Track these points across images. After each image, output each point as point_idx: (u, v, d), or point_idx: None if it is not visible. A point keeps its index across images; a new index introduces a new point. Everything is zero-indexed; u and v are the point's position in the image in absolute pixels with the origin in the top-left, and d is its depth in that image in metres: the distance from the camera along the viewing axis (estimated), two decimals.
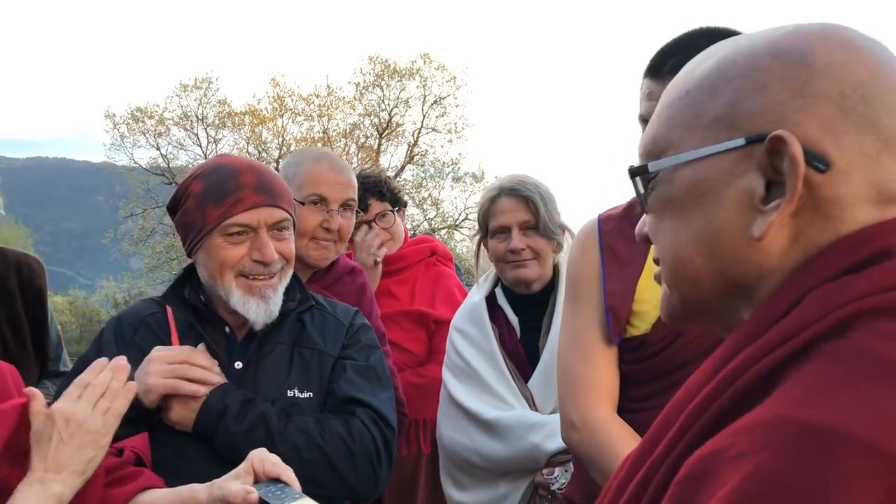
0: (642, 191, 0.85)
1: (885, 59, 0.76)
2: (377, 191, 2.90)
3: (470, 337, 2.47)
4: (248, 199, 1.78)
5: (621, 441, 1.65)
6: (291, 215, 1.86)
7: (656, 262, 0.88)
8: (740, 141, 0.75)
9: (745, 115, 0.75)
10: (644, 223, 0.89)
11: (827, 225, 0.74)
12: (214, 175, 1.81)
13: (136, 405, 1.65)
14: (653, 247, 0.88)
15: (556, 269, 2.49)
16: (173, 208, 1.88)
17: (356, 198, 2.42)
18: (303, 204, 2.31)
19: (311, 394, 1.84)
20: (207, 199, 1.78)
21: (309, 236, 2.32)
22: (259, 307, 1.80)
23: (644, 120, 1.61)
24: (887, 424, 0.58)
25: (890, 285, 0.68)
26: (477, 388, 2.40)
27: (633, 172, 0.85)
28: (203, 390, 1.74)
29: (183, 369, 1.73)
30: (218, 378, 1.77)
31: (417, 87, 26.43)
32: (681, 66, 1.54)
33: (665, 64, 1.59)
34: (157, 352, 1.76)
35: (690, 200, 0.79)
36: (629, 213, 1.81)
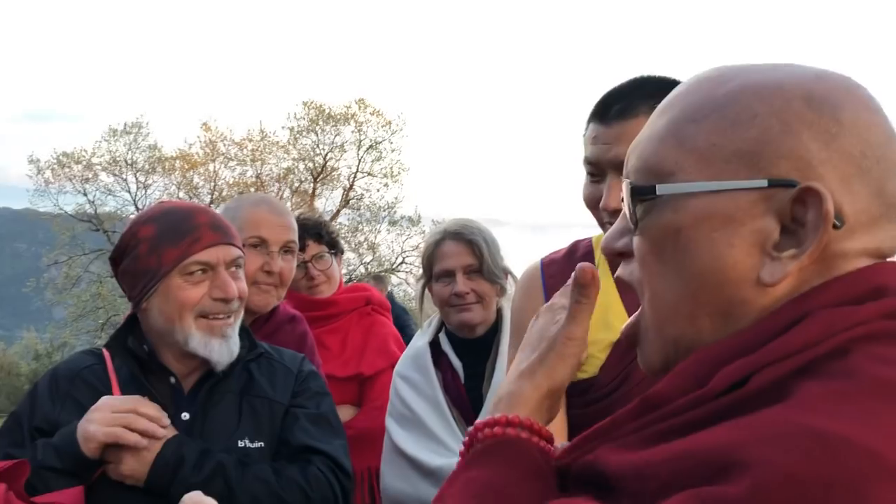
0: (635, 209, 0.81)
1: (892, 126, 0.78)
2: (315, 232, 2.88)
3: (414, 383, 2.44)
4: (207, 237, 1.77)
5: None
6: (243, 254, 1.86)
7: (620, 282, 0.87)
8: (763, 182, 0.73)
9: (771, 156, 0.74)
10: (616, 237, 0.86)
11: (828, 275, 0.75)
12: (167, 217, 1.79)
13: (75, 455, 1.58)
14: (622, 266, 0.86)
15: (499, 312, 2.49)
16: (118, 258, 1.84)
17: (297, 241, 2.39)
18: (242, 247, 2.26)
19: (263, 443, 1.81)
20: (163, 241, 1.76)
21: (250, 281, 2.26)
22: (222, 347, 1.79)
23: (591, 163, 1.62)
24: (888, 435, 0.61)
25: (883, 315, 0.71)
26: (421, 436, 2.36)
27: (636, 192, 0.80)
28: (144, 442, 1.67)
29: (128, 418, 1.67)
30: (163, 431, 1.72)
31: (353, 131, 26.47)
32: (628, 111, 1.60)
33: (612, 108, 1.60)
34: (105, 400, 1.71)
35: (700, 234, 0.76)
36: (572, 256, 1.80)
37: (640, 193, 0.79)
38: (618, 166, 1.57)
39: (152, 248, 1.76)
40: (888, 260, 0.78)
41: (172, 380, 1.81)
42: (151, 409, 1.71)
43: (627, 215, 0.83)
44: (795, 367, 0.69)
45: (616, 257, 0.87)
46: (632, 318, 0.87)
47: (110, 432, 1.64)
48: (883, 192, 0.75)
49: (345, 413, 2.79)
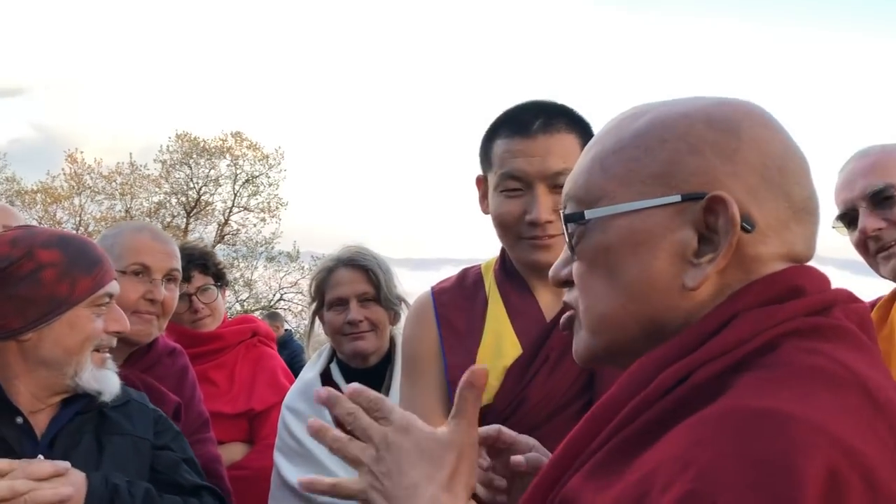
0: (571, 236, 0.89)
1: (790, 138, 0.87)
2: (201, 263, 2.77)
3: (304, 416, 2.37)
4: (110, 269, 1.73)
5: None
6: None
7: (567, 307, 0.92)
8: (676, 198, 0.82)
9: (681, 174, 0.83)
10: (561, 267, 0.93)
11: (748, 278, 0.82)
12: (72, 244, 1.70)
13: None
14: (567, 292, 0.92)
15: (392, 341, 2.46)
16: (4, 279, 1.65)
17: (180, 269, 2.28)
18: (123, 274, 2.13)
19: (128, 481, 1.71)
20: (75, 269, 1.66)
21: (130, 310, 2.12)
22: (113, 377, 1.73)
23: (516, 177, 1.62)
24: (824, 411, 0.67)
25: (806, 312, 0.79)
26: (311, 469, 2.30)
27: (568, 218, 0.88)
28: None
29: (30, 497, 1.49)
30: (69, 490, 1.55)
31: (228, 165, 25.90)
32: (551, 126, 1.62)
33: (533, 123, 1.62)
34: None
35: (625, 249, 0.84)
36: (462, 283, 1.81)
37: (573, 220, 0.88)
38: (547, 178, 1.60)
39: (62, 274, 1.64)
40: (804, 265, 0.86)
41: (20, 419, 1.66)
42: (45, 468, 1.55)
43: (567, 243, 0.91)
44: (731, 363, 0.76)
45: (561, 286, 0.94)
46: (567, 312, 0.94)
47: None
48: (789, 197, 0.83)
49: (236, 451, 2.68)
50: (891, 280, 1.89)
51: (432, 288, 1.84)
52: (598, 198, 0.86)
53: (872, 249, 1.84)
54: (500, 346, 1.69)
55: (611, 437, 0.78)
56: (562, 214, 0.90)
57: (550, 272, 0.95)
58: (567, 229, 0.89)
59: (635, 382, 0.80)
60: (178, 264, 2.26)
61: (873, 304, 2.05)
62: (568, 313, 0.93)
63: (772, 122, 0.87)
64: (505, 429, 1.26)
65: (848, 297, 0.84)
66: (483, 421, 1.70)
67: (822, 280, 0.84)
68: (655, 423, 0.75)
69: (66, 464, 1.58)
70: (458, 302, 1.77)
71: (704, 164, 0.82)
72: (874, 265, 1.87)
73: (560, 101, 1.71)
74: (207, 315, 2.78)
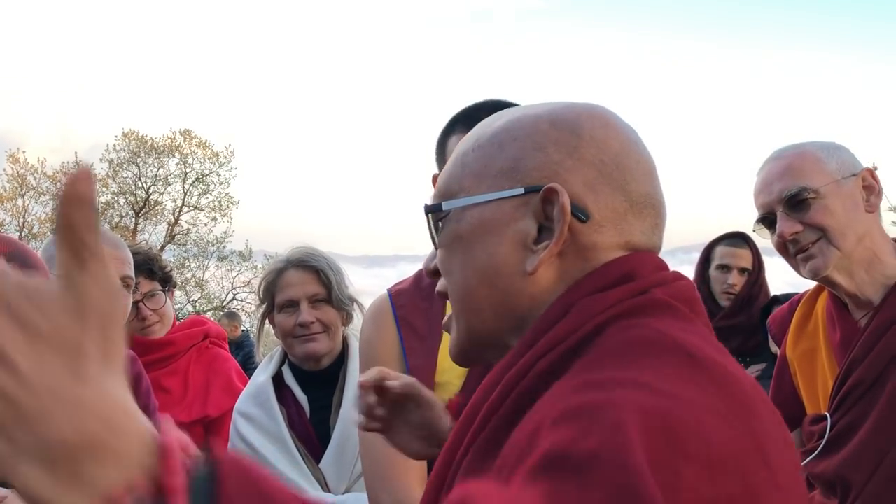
0: (435, 228, 0.96)
1: (633, 139, 0.94)
2: (147, 268, 2.68)
3: (256, 421, 2.33)
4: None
5: None
6: None
7: (441, 295, 0.98)
8: (520, 190, 0.89)
9: (526, 169, 0.90)
10: (431, 258, 0.98)
11: (585, 266, 0.89)
12: (15, 249, 1.60)
13: None
14: (440, 282, 0.98)
15: (345, 342, 2.43)
16: None
17: (133, 276, 2.20)
18: None
19: None
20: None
21: None
22: None
23: None
24: (649, 372, 0.72)
25: (631, 295, 0.85)
26: None
27: (428, 210, 0.96)
28: None
29: None
30: None
31: (177, 164, 25.48)
32: None
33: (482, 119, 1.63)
34: None
35: (476, 237, 0.91)
36: (419, 285, 1.80)
37: (431, 211, 0.95)
38: None
39: None
40: (639, 252, 0.92)
41: None
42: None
43: (431, 233, 0.97)
44: (566, 350, 0.82)
45: (432, 276, 1.00)
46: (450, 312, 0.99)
47: None
48: (626, 191, 0.90)
49: None
50: (811, 280, 1.92)
51: (389, 290, 1.83)
52: (455, 191, 0.94)
53: (792, 251, 1.86)
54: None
55: (473, 441, 0.83)
56: (423, 208, 0.97)
57: (423, 263, 1.01)
58: (428, 221, 0.96)
59: (489, 384, 0.86)
60: (132, 271, 2.19)
61: (799, 298, 2.09)
62: (448, 315, 0.99)
63: (615, 123, 0.93)
64: (385, 370, 1.38)
65: (674, 277, 0.90)
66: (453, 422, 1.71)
67: (655, 265, 0.90)
68: (503, 425, 0.80)
69: (5, 492, 1.52)
70: (416, 303, 1.77)
71: (546, 160, 0.89)
72: (794, 266, 1.90)
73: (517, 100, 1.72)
74: (156, 322, 2.71)
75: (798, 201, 1.82)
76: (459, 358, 0.99)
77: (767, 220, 1.90)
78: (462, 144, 0.97)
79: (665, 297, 0.86)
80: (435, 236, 0.96)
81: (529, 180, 0.89)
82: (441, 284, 0.97)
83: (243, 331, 8.75)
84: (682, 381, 0.72)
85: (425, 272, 1.00)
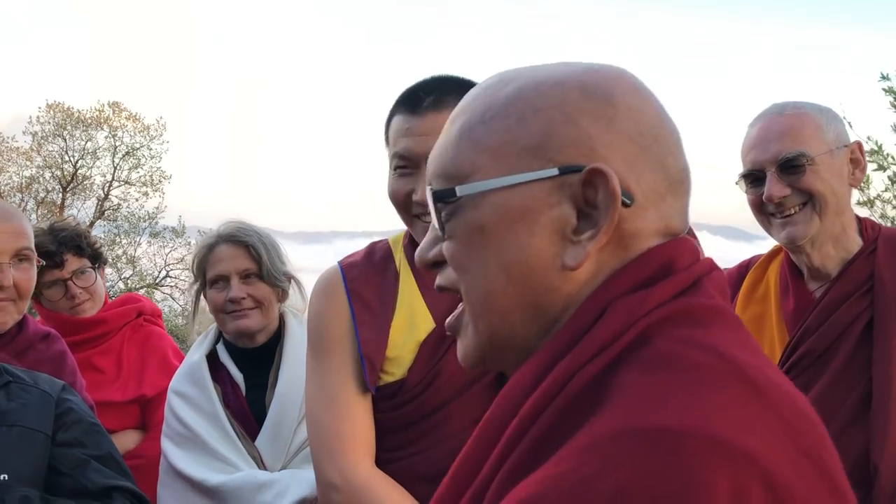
0: (439, 215, 0.82)
1: (662, 106, 0.83)
2: (75, 245, 2.59)
3: (190, 399, 2.29)
4: None
5: (388, 496, 1.61)
6: None
7: (441, 290, 0.85)
8: (553, 171, 0.76)
9: (557, 145, 0.77)
10: (428, 248, 0.86)
11: (626, 255, 0.78)
12: None
13: None
14: (439, 276, 0.85)
15: (281, 318, 2.40)
16: None
17: (32, 247, 2.07)
18: None
19: (6, 475, 1.59)
20: None
21: None
22: None
23: (403, 157, 1.61)
24: (714, 417, 0.64)
25: (674, 294, 0.75)
26: (199, 454, 2.22)
27: (437, 196, 0.81)
28: None
29: None
30: None
31: (107, 137, 24.66)
32: (441, 104, 1.60)
33: (423, 100, 1.59)
34: None
35: (502, 228, 0.78)
36: (371, 259, 1.78)
37: (442, 197, 0.81)
38: None
39: None
40: (676, 238, 0.82)
41: None
42: None
43: (434, 222, 0.83)
44: (607, 363, 0.71)
45: (430, 268, 0.86)
46: (457, 309, 0.86)
47: None
48: (664, 167, 0.80)
49: (129, 439, 2.57)
50: (782, 244, 1.91)
51: (340, 262, 1.80)
52: (468, 173, 0.80)
53: (771, 211, 1.84)
54: (413, 320, 1.68)
55: (500, 464, 0.72)
56: (428, 192, 0.83)
57: (416, 254, 0.88)
58: (435, 208, 0.82)
59: (516, 395, 0.75)
60: (29, 242, 2.05)
61: (750, 262, 2.08)
62: (453, 315, 0.87)
63: (643, 89, 0.83)
64: None
65: (710, 267, 0.81)
66: (396, 396, 1.70)
67: (692, 252, 0.81)
68: (541, 442, 0.70)
69: None
70: (368, 276, 1.74)
71: (581, 135, 0.77)
72: (767, 227, 1.88)
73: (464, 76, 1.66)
74: (86, 300, 2.64)
75: (793, 165, 1.80)
76: (476, 363, 0.85)
77: (753, 175, 1.87)
78: (463, 115, 0.83)
79: (715, 297, 0.77)
80: (442, 225, 0.82)
81: (563, 159, 0.76)
82: (444, 279, 0.84)
83: None
84: (752, 424, 0.65)
85: (421, 265, 0.87)
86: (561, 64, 0.84)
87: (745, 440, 0.63)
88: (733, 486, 0.61)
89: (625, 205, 0.76)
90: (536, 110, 0.78)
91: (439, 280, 0.85)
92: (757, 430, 0.64)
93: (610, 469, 0.62)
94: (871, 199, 5.83)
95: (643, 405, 0.65)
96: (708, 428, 0.63)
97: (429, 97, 1.60)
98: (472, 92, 0.85)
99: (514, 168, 0.78)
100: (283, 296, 2.38)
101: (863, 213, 2.06)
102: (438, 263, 0.85)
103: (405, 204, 1.63)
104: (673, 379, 0.67)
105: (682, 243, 0.80)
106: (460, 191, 0.80)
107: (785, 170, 1.81)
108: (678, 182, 0.81)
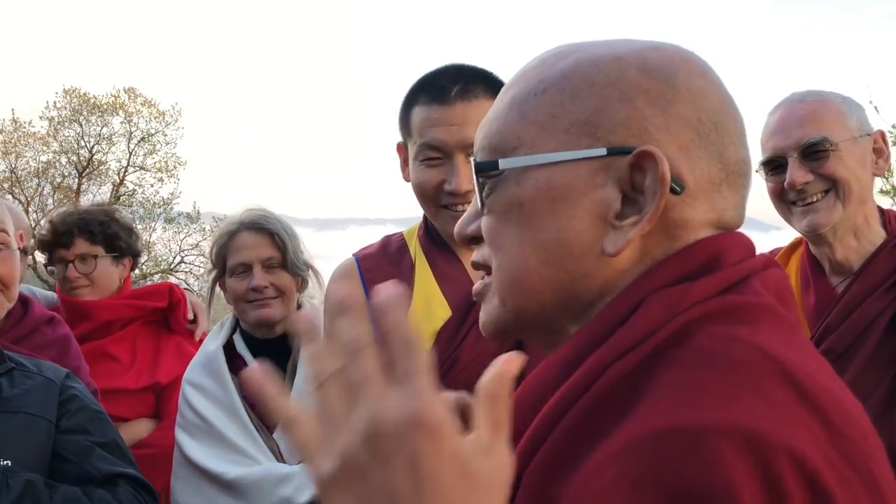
0: (482, 189, 0.78)
1: (728, 93, 0.79)
2: (87, 230, 2.57)
3: (207, 390, 2.25)
4: None
5: None
6: None
7: (476, 266, 0.83)
8: (601, 150, 0.73)
9: (609, 124, 0.73)
10: (468, 222, 0.83)
11: (672, 245, 0.74)
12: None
13: None
14: (475, 251, 0.83)
15: (299, 307, 2.35)
16: None
17: (10, 231, 1.91)
18: None
19: (9, 461, 1.57)
20: None
21: None
22: None
23: (434, 147, 1.60)
24: (760, 418, 0.60)
25: (718, 291, 0.71)
26: (216, 446, 2.18)
27: (479, 168, 0.78)
28: None
29: None
30: None
31: (122, 122, 24.74)
32: (469, 92, 1.60)
33: (449, 89, 1.59)
34: None
35: (542, 206, 0.74)
36: (386, 250, 1.79)
37: (484, 169, 0.77)
38: (465, 147, 1.59)
39: None
40: (728, 232, 0.78)
41: None
42: None
43: (476, 195, 0.80)
44: (643, 357, 0.68)
45: (469, 243, 0.84)
46: (485, 279, 0.83)
47: None
48: (722, 157, 0.75)
49: (142, 428, 2.53)
50: (803, 234, 1.87)
51: (355, 255, 1.80)
52: (514, 146, 0.76)
53: (792, 198, 1.81)
54: (430, 309, 1.68)
55: (527, 462, 0.68)
56: (472, 163, 0.79)
57: (456, 227, 0.85)
58: (477, 180, 0.78)
59: (542, 387, 0.71)
60: (6, 225, 1.89)
61: (772, 254, 2.07)
62: (480, 282, 0.83)
63: (709, 74, 0.78)
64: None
65: (765, 264, 0.76)
66: None
67: (744, 248, 0.76)
68: (570, 440, 0.66)
69: None
70: (383, 267, 1.75)
71: (635, 115, 0.73)
72: (787, 216, 1.84)
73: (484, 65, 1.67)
74: (84, 285, 2.60)
75: (815, 151, 1.77)
76: (495, 333, 0.82)
77: (775, 163, 1.83)
78: (516, 86, 0.79)
79: (763, 295, 0.72)
80: (483, 199, 0.79)
81: (613, 139, 0.73)
82: (480, 255, 0.81)
83: None
84: (794, 425, 0.61)
85: (460, 239, 0.84)
86: (622, 40, 0.80)
87: (787, 441, 0.59)
88: (774, 489, 0.57)
89: (674, 192, 0.72)
90: (591, 85, 0.75)
91: (475, 256, 0.83)
92: (798, 431, 0.61)
93: (654, 469, 0.59)
94: (895, 187, 5.74)
95: (676, 403, 0.62)
96: (742, 423, 0.59)
97: (455, 86, 1.60)
98: (527, 63, 0.82)
99: (561, 144, 0.74)
100: (303, 285, 2.34)
101: (885, 202, 2.01)
102: (476, 238, 0.82)
103: (433, 195, 1.64)
104: (713, 376, 0.64)
105: (733, 237, 0.76)
106: (503, 164, 0.76)
107: (807, 155, 1.77)
108: (737, 174, 0.77)
